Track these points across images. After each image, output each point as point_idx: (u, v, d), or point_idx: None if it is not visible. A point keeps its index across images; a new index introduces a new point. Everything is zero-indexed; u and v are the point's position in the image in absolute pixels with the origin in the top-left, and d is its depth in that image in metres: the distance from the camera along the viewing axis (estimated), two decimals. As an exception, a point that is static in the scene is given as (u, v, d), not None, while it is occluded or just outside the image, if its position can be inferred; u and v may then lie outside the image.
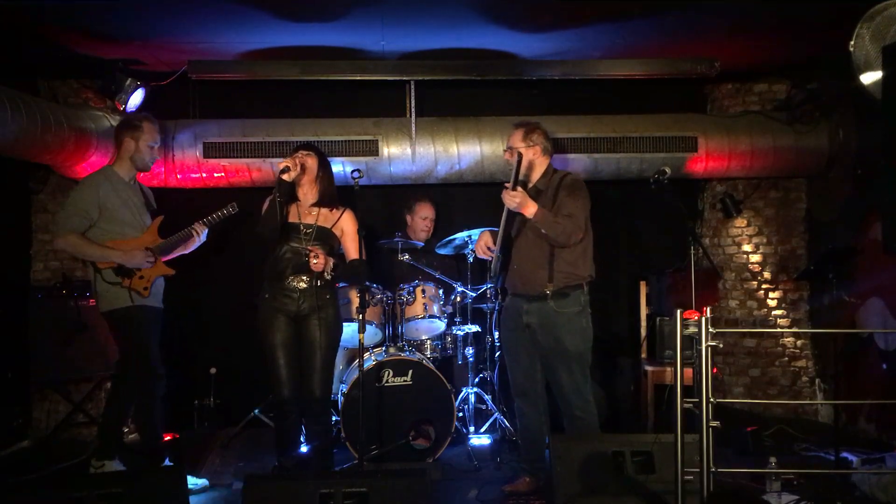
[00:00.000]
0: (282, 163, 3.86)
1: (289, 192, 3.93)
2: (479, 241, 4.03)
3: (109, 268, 3.95)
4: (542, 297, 3.81)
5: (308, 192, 4.02)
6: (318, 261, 3.80)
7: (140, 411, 4.08)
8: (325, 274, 3.87)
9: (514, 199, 3.71)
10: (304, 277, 3.91)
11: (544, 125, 4.02)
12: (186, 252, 4.27)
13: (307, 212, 4.00)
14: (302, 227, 3.95)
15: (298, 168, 3.88)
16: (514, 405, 4.10)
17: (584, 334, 3.85)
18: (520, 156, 3.80)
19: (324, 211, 4.01)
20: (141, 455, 4.09)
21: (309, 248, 3.88)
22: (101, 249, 3.93)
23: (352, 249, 4.05)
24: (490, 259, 4.00)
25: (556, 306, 3.80)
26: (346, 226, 4.04)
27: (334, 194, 4.06)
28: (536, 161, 3.92)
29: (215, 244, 5.63)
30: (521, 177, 3.86)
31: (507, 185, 3.73)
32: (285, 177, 3.82)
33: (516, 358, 4.00)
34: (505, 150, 4.09)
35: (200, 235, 4.21)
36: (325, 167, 4.04)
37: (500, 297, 4.01)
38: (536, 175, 3.94)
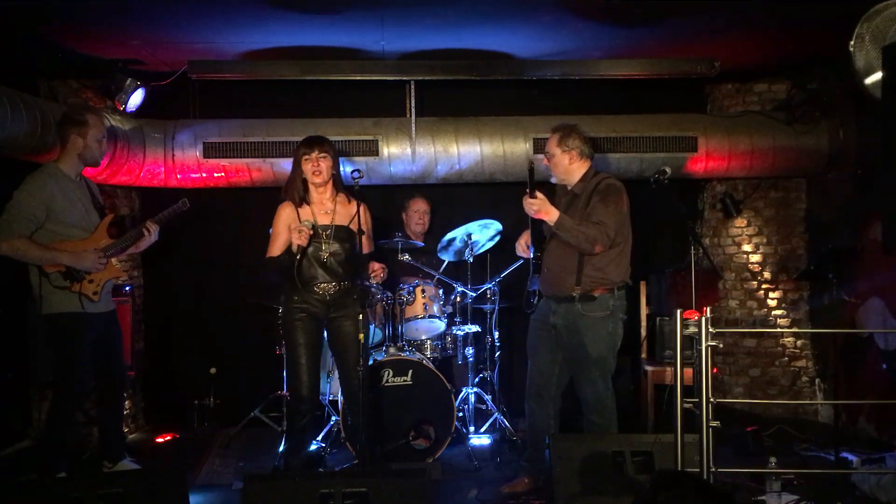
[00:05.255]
0: (296, 242, 3.77)
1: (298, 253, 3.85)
2: (520, 239, 4.01)
3: (57, 271, 3.75)
4: (569, 300, 3.80)
5: (324, 191, 3.95)
6: (377, 275, 4.02)
7: (52, 421, 3.89)
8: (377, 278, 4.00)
9: (531, 205, 3.71)
10: (332, 281, 3.89)
11: (581, 127, 3.98)
12: (138, 251, 4.12)
13: (322, 210, 3.93)
14: (320, 230, 3.89)
15: (307, 239, 3.79)
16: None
17: (608, 340, 3.82)
18: (531, 165, 3.83)
19: (339, 207, 3.95)
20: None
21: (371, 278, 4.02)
22: (48, 252, 3.72)
23: (366, 245, 4.00)
24: (530, 258, 3.97)
25: (582, 309, 3.78)
26: (362, 221, 3.97)
27: (341, 181, 4.03)
28: (573, 166, 3.89)
29: (214, 244, 5.69)
30: (558, 181, 3.92)
31: (527, 192, 3.73)
32: (297, 244, 3.78)
33: (536, 358, 3.99)
34: (543, 156, 4.01)
35: (153, 234, 4.06)
36: (336, 161, 3.97)
37: (535, 298, 4.02)
38: (574, 179, 3.90)
